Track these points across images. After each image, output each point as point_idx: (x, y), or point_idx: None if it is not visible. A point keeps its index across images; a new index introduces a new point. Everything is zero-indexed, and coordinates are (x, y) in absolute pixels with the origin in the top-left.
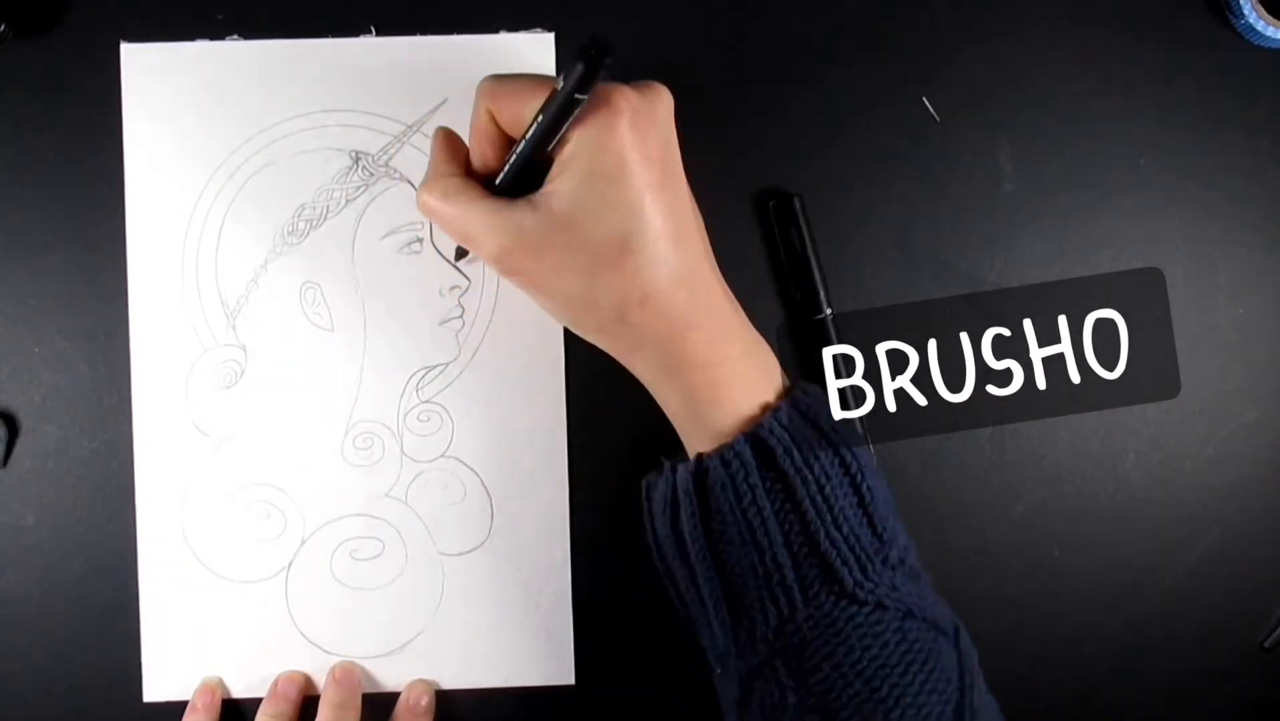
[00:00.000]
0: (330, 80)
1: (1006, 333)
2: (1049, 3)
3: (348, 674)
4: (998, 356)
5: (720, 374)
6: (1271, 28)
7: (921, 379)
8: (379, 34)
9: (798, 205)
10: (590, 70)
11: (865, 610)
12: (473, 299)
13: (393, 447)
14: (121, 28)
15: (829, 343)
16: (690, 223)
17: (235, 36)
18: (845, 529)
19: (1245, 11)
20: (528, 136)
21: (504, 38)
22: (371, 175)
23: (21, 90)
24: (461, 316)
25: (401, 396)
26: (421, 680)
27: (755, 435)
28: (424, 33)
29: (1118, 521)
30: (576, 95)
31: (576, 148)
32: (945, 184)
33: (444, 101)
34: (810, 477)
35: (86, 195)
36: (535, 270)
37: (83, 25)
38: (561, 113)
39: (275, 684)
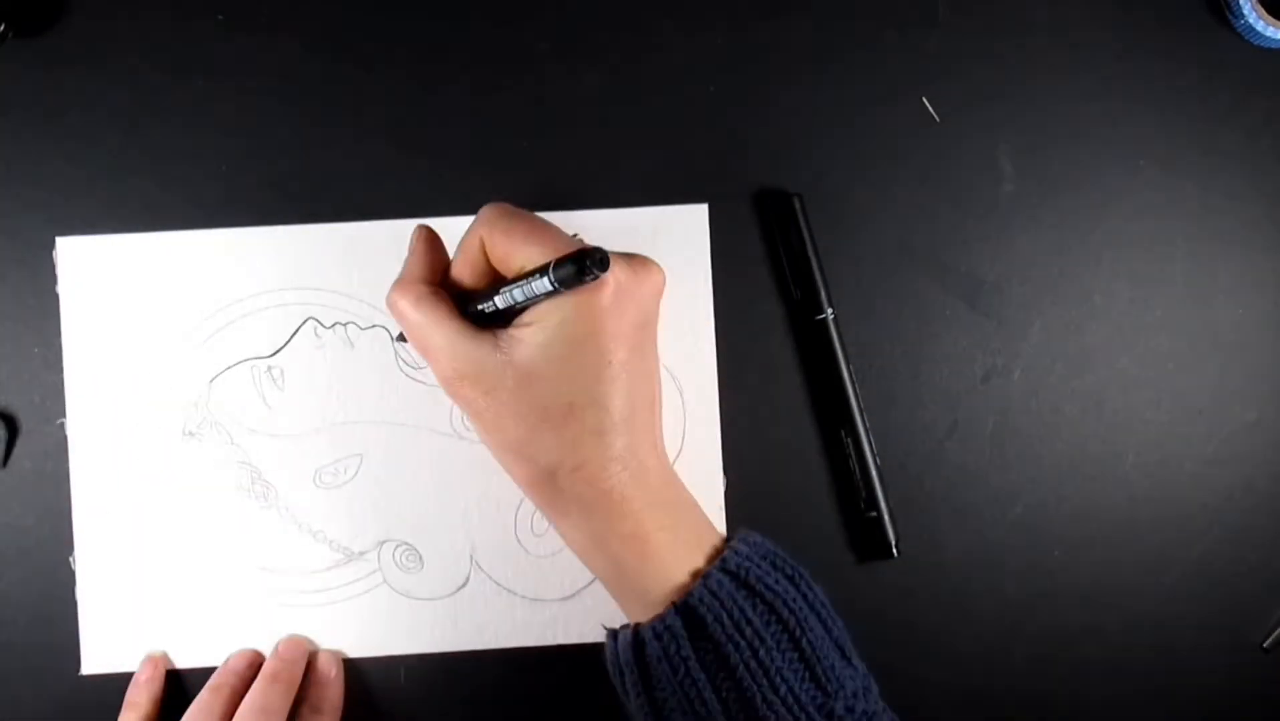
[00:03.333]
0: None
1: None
2: (1049, 3)
3: (291, 646)
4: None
5: (649, 547)
6: (1271, 28)
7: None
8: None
9: (798, 205)
10: (578, 277)
11: None
12: None
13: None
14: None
15: (829, 342)
16: (644, 401)
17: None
18: (783, 689)
19: (1245, 11)
20: (506, 295)
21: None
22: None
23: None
24: None
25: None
26: (328, 649)
27: (685, 605)
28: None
29: (1118, 521)
30: (560, 289)
31: (554, 306)
32: (945, 184)
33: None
34: (743, 642)
35: (86, 194)
36: (481, 406)
37: (83, 26)
38: (543, 296)
39: (227, 659)
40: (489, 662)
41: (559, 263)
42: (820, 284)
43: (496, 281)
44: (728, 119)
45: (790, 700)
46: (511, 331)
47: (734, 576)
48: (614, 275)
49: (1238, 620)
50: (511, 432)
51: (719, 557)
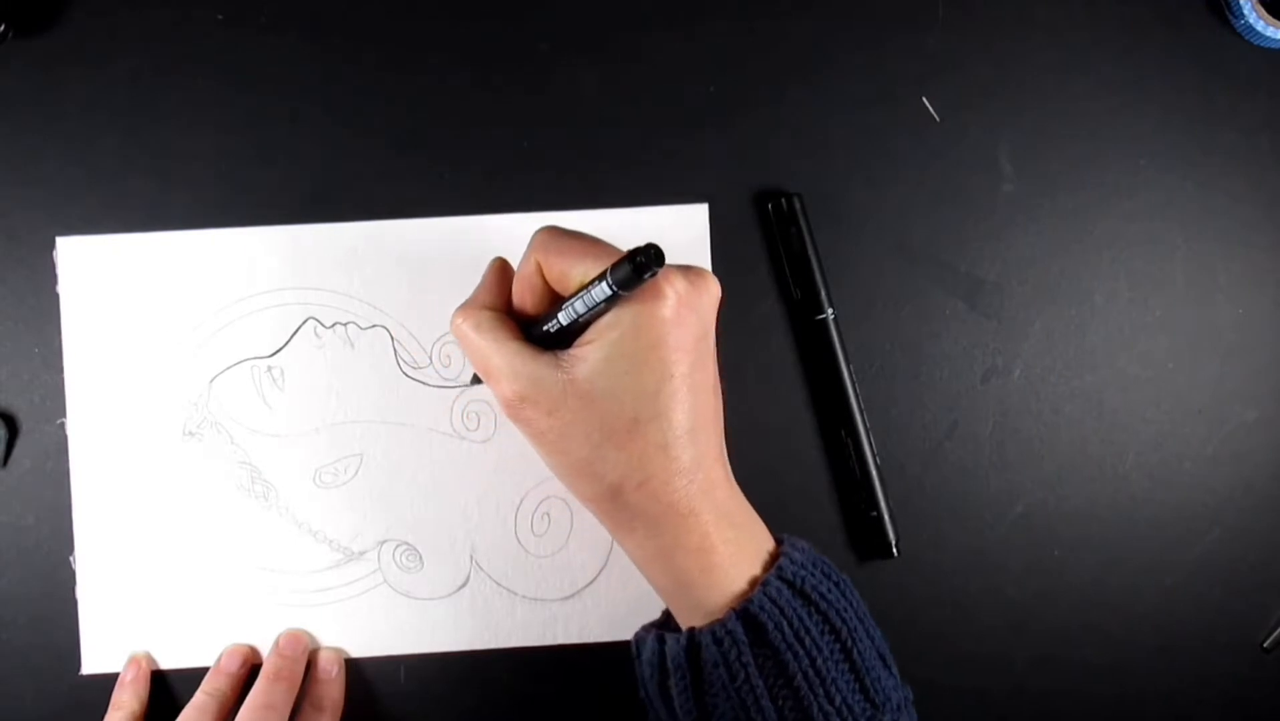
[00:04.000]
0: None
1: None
2: (1049, 3)
3: (292, 642)
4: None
5: (714, 558)
6: (1271, 28)
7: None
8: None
9: (798, 205)
10: (636, 276)
11: None
12: None
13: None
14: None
15: (829, 342)
16: (708, 415)
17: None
18: (838, 700)
19: (1245, 11)
20: (568, 309)
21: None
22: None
23: (25, 87)
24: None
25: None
26: (330, 648)
27: (746, 611)
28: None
29: (1118, 521)
30: (620, 292)
31: (614, 320)
32: (945, 184)
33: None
34: (802, 652)
35: (86, 194)
36: (544, 426)
37: (83, 26)
38: (600, 302)
39: (219, 658)
40: (489, 662)
41: (615, 266)
42: (820, 284)
43: (557, 303)
44: (728, 119)
45: (845, 711)
46: (573, 351)
47: (791, 585)
48: (673, 287)
49: (1238, 620)
50: (576, 452)
51: (774, 565)
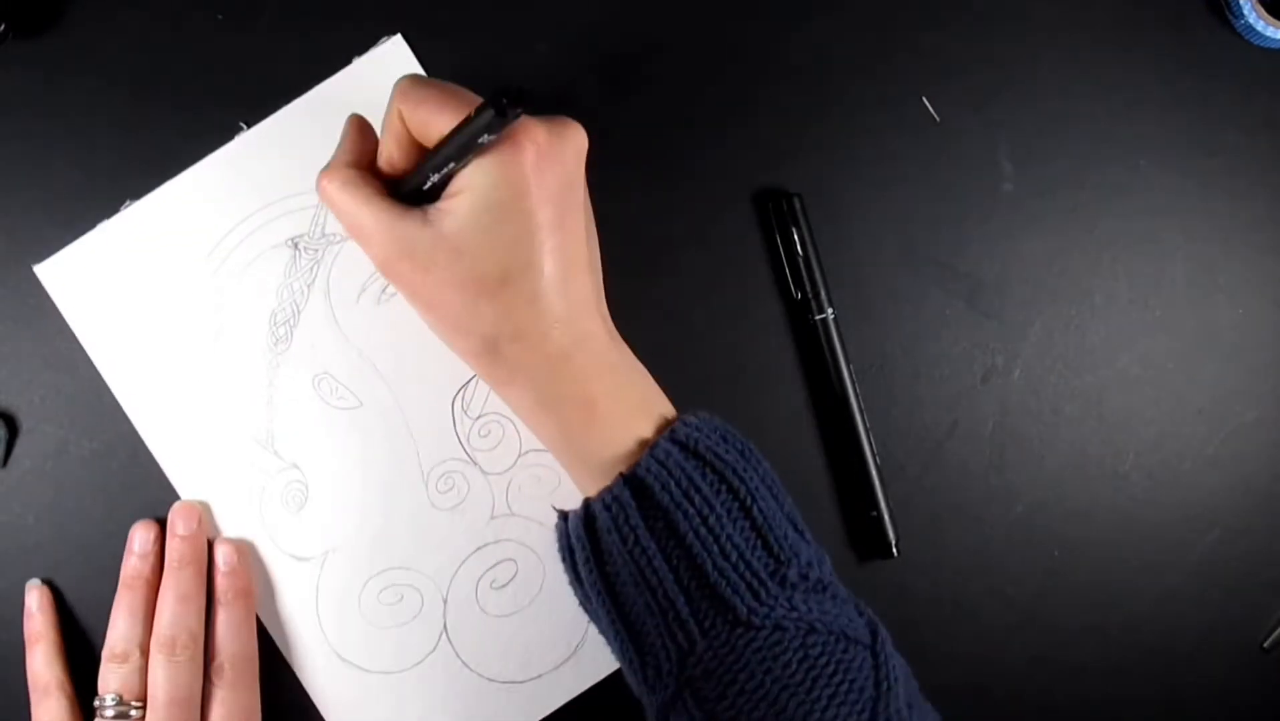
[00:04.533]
0: (234, 190)
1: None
2: (1049, 3)
3: (186, 518)
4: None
5: (595, 410)
6: (1271, 28)
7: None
8: (250, 125)
9: (798, 205)
10: (498, 118)
11: (763, 633)
12: None
13: (473, 474)
14: (34, 249)
15: (829, 342)
16: (579, 263)
17: (128, 202)
18: (734, 556)
19: (1245, 11)
20: (429, 161)
21: (358, 64)
22: (316, 251)
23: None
24: None
25: (454, 425)
26: (226, 537)
27: (633, 475)
28: (287, 100)
29: (1118, 521)
30: (481, 139)
31: (475, 174)
32: (945, 184)
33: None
34: (692, 510)
35: (87, 194)
36: (418, 283)
37: (83, 26)
38: (464, 149)
39: (130, 540)
40: None
41: (477, 111)
42: (820, 284)
43: (422, 155)
44: (728, 119)
45: (741, 566)
46: (440, 205)
47: (683, 446)
48: (531, 138)
49: (1238, 620)
50: (453, 307)
51: (669, 427)
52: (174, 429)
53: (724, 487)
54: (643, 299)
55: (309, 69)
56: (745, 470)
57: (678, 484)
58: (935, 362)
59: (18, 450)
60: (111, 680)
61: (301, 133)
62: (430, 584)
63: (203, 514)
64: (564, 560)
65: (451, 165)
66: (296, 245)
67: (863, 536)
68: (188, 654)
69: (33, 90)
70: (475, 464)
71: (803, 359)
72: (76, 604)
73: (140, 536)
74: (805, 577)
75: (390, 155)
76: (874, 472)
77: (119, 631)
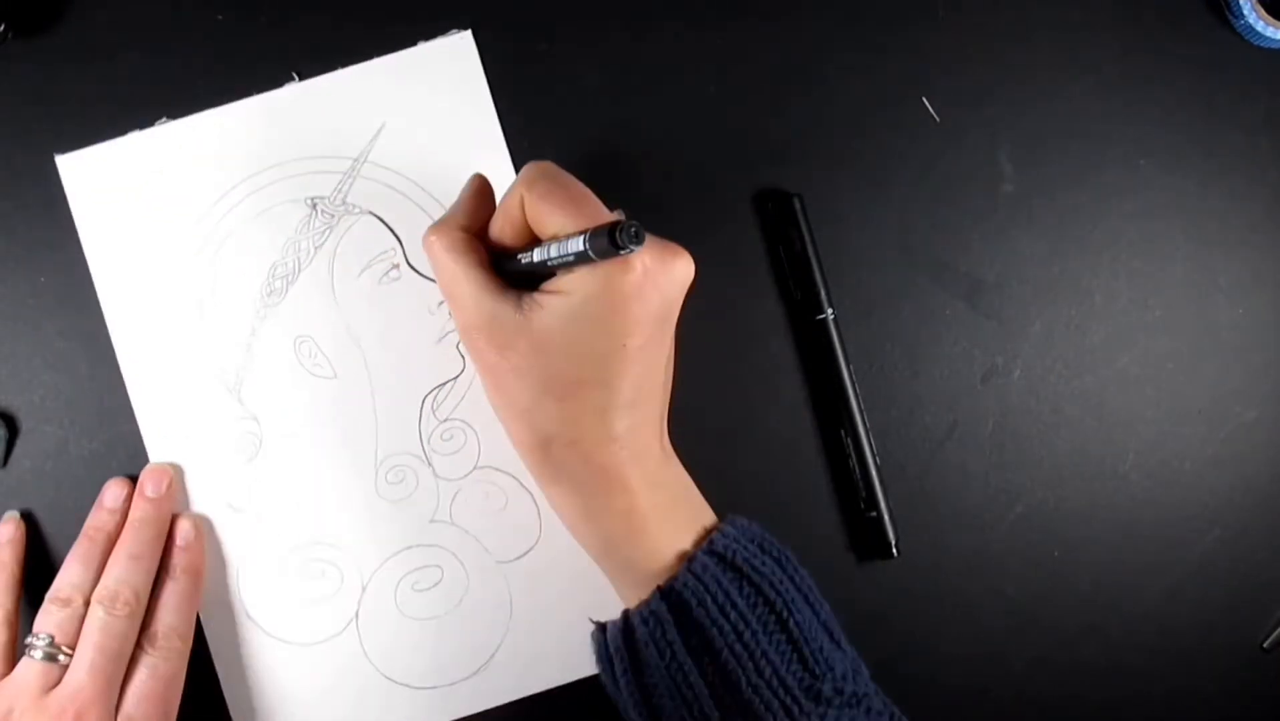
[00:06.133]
0: (269, 136)
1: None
2: (1049, 3)
3: (156, 481)
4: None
5: (641, 523)
6: (1271, 28)
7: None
8: (302, 78)
9: (798, 205)
10: (612, 249)
11: None
12: None
13: (425, 474)
14: (55, 138)
15: (829, 342)
16: (653, 390)
17: (164, 119)
18: (768, 672)
19: (1245, 11)
20: (536, 254)
21: (423, 49)
22: (332, 216)
23: (21, 93)
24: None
25: (420, 422)
26: (190, 513)
27: (670, 589)
28: (345, 64)
29: (1118, 521)
30: (592, 256)
31: (577, 280)
32: (945, 184)
33: (382, 126)
34: (728, 626)
35: None
36: (493, 363)
37: (83, 26)
38: (574, 260)
39: (102, 493)
40: None
41: (594, 234)
42: (820, 284)
43: (532, 242)
44: (728, 119)
45: (775, 682)
46: (536, 296)
47: (720, 558)
48: (642, 260)
49: (1238, 620)
50: (516, 395)
51: (707, 538)
52: (148, 350)
53: (760, 600)
54: None
55: (374, 38)
56: (781, 581)
57: (714, 599)
58: (935, 362)
59: (18, 450)
60: (48, 621)
61: (349, 97)
62: (354, 568)
63: (173, 479)
64: (602, 669)
65: (557, 263)
66: (315, 206)
67: (863, 536)
68: (127, 610)
69: (33, 90)
70: (429, 464)
71: (803, 359)
72: None
73: (112, 492)
74: (840, 692)
75: (501, 231)
76: (874, 472)
77: (67, 576)
